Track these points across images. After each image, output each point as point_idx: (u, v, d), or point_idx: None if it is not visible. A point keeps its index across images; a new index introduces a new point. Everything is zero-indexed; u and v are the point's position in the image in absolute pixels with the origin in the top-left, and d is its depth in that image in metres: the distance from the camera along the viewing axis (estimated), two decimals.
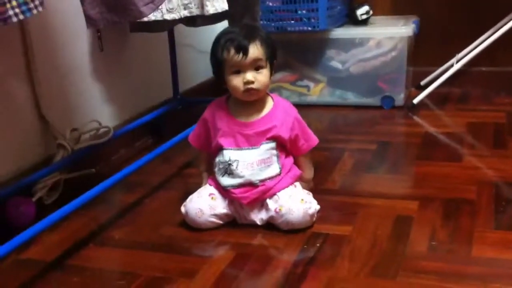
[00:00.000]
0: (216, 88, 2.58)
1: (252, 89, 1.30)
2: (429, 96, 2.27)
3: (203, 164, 1.48)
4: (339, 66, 2.35)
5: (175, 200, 1.53)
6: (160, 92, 2.16)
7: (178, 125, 1.84)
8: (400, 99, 2.30)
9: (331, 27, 2.31)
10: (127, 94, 1.99)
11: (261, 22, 2.17)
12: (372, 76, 2.32)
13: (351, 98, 2.38)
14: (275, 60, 1.36)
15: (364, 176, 1.65)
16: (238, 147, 1.34)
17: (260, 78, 1.30)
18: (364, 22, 2.39)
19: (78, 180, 1.65)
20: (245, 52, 1.27)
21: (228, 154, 1.34)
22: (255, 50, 1.28)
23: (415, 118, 2.19)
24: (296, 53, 2.40)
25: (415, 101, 2.25)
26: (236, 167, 1.33)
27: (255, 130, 1.34)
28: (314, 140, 1.42)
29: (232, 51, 1.28)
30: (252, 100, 1.34)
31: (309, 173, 1.46)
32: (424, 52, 2.51)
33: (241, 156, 1.34)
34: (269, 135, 1.34)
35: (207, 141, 1.41)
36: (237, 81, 1.30)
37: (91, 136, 1.73)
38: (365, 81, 2.33)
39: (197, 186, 1.44)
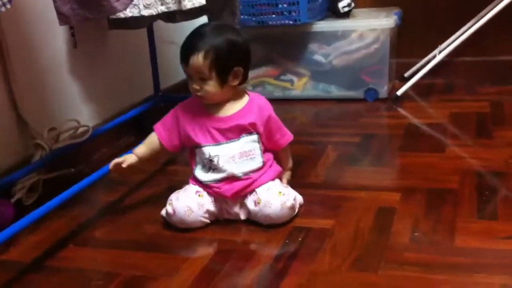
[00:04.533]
0: None
1: (199, 96, 1.32)
2: (413, 87, 2.26)
3: (144, 148, 1.39)
4: (322, 59, 2.34)
5: (157, 197, 1.51)
6: (141, 90, 2.14)
7: None
8: (383, 91, 2.29)
9: (313, 20, 2.29)
10: (106, 92, 1.97)
11: (241, 16, 2.15)
12: (355, 68, 2.30)
13: (335, 91, 2.37)
14: (236, 68, 1.30)
15: (347, 169, 1.63)
16: (216, 142, 1.33)
17: (206, 88, 1.30)
18: (346, 15, 2.38)
19: (57, 181, 1.63)
20: (186, 62, 1.28)
21: (208, 151, 1.33)
22: (196, 62, 1.27)
23: (399, 110, 2.18)
24: (279, 47, 2.38)
25: (399, 93, 2.24)
26: (218, 162, 1.32)
27: (230, 124, 1.33)
28: (290, 135, 1.43)
29: (180, 58, 1.30)
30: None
31: (289, 164, 1.47)
32: (407, 44, 2.50)
33: (220, 151, 1.32)
34: (245, 128, 1.34)
35: (174, 137, 1.38)
36: (189, 85, 1.33)
37: (70, 135, 1.71)
38: (349, 74, 2.32)
39: (181, 183, 1.42)
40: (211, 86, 1.29)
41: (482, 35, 2.21)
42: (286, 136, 1.42)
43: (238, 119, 1.33)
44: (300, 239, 1.24)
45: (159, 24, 2.00)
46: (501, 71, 2.40)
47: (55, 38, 1.73)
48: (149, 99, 2.12)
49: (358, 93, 2.32)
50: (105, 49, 1.96)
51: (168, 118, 1.40)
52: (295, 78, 2.40)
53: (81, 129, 1.74)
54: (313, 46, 2.34)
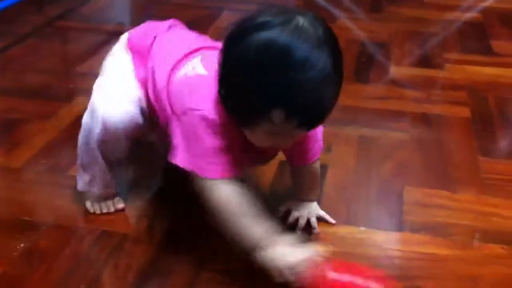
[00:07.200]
0: None
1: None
2: None
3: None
4: None
5: (44, 49, 1.48)
6: None
7: None
8: None
9: None
10: None
11: None
12: None
13: None
14: None
15: None
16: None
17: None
18: None
19: None
20: (310, 129, 0.80)
21: None
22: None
23: None
24: None
25: None
26: None
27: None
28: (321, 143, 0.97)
29: (294, 123, 0.74)
30: None
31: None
32: None
33: None
34: None
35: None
36: (268, 141, 0.81)
37: None
38: None
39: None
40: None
41: None
42: (317, 145, 0.94)
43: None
44: None
45: None
46: None
47: None
48: None
49: None
50: None
51: (220, 155, 0.82)
52: None
53: None
54: None
